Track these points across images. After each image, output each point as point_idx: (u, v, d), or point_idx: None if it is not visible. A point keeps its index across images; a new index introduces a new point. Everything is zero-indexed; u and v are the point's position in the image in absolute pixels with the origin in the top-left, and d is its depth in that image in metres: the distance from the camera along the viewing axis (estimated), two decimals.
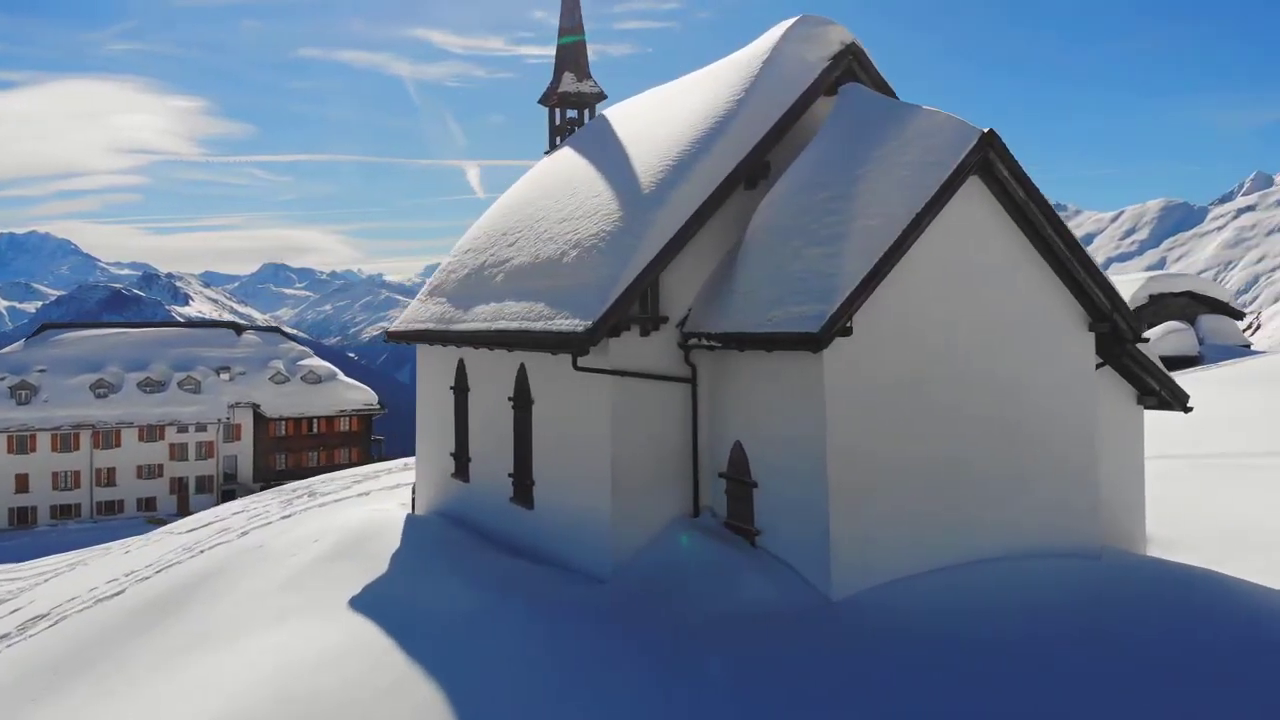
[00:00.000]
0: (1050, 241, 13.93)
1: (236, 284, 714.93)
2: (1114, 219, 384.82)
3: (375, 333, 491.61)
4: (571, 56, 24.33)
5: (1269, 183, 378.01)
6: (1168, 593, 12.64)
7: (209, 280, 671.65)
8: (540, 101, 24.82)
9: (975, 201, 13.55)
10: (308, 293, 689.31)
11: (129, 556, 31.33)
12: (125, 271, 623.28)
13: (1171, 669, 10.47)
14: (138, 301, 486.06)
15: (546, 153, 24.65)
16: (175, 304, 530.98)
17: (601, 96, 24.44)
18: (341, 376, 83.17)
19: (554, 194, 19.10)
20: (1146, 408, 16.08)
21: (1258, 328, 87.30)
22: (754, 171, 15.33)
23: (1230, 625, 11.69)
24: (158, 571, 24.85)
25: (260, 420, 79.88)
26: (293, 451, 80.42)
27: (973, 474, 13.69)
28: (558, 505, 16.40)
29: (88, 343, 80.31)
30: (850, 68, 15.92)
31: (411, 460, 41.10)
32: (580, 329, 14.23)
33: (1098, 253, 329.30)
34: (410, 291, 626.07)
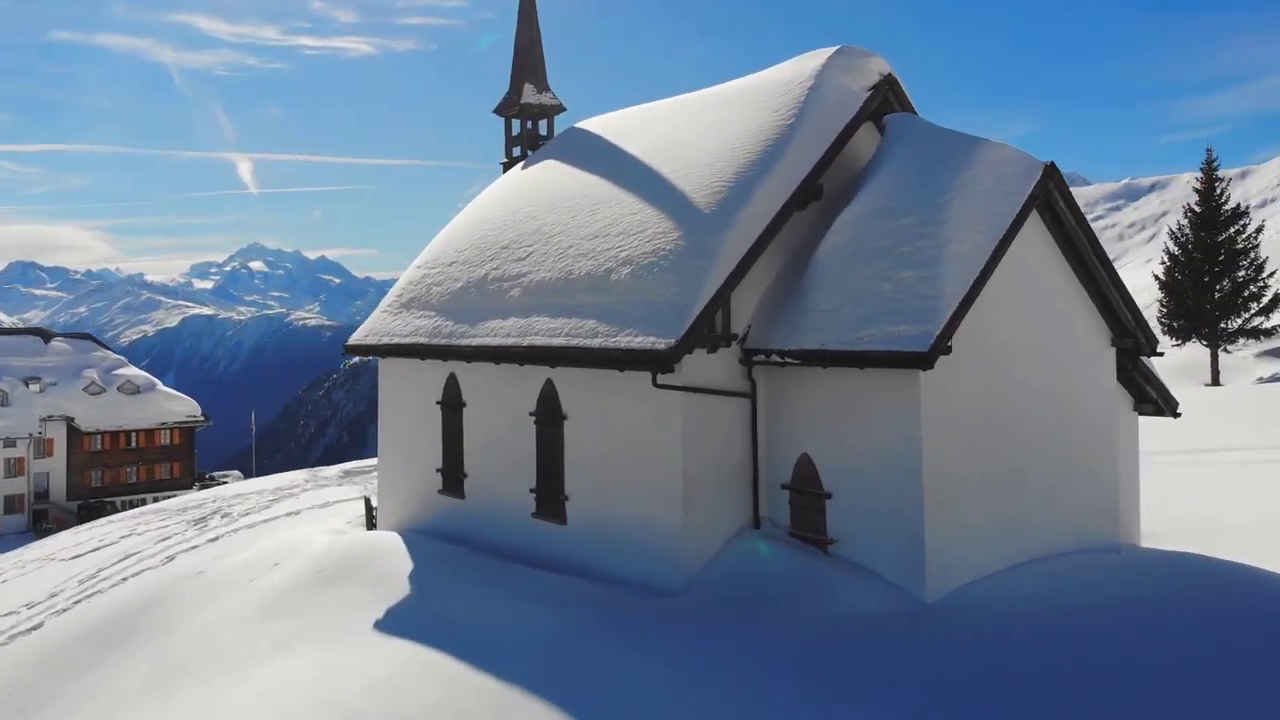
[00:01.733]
0: (1090, 264, 15.26)
1: None
2: None
3: (136, 336, 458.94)
4: (530, 67, 24.26)
5: None
6: (1215, 584, 14.04)
7: None
8: (497, 111, 24.61)
9: (1032, 227, 14.71)
10: (60, 293, 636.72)
11: (8, 586, 28.97)
12: None
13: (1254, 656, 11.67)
14: None
15: (504, 163, 24.47)
16: None
17: (561, 109, 24.48)
18: (161, 386, 77.90)
19: (563, 209, 19.03)
20: (1142, 414, 17.71)
21: None
22: (807, 194, 15.94)
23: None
24: (76, 602, 23.27)
25: (74, 434, 73.78)
26: (110, 467, 74.59)
27: (1028, 480, 14.90)
28: (604, 520, 16.45)
29: None
30: (886, 97, 16.81)
31: (308, 473, 39.60)
32: (662, 346, 14.45)
33: None
34: (176, 292, 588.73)
